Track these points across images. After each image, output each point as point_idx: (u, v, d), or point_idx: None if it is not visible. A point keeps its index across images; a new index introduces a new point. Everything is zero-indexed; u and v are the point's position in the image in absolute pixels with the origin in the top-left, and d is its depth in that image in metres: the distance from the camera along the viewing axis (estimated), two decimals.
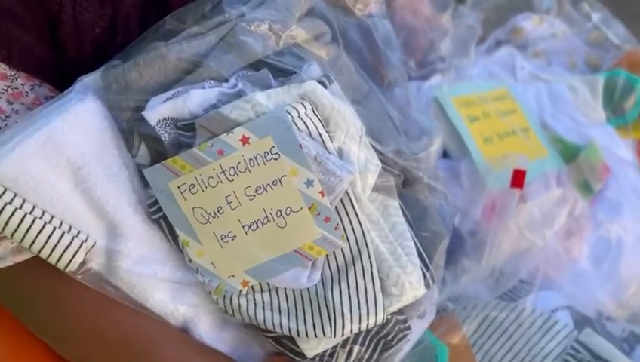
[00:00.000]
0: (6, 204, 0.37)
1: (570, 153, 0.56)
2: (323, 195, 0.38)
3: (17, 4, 0.40)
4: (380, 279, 0.40)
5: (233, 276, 0.40)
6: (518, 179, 0.48)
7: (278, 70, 0.40)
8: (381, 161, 0.41)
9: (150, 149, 0.39)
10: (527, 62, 0.61)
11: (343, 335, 0.40)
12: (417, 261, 0.41)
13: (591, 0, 0.62)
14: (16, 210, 0.37)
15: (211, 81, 0.39)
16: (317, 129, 0.39)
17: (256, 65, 0.40)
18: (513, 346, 0.46)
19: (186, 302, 0.42)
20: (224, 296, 0.41)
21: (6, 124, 0.41)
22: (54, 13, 0.40)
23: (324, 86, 0.40)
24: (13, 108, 0.41)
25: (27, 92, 0.42)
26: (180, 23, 0.40)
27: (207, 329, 0.43)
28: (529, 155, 0.54)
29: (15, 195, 0.37)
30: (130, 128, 0.39)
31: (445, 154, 0.53)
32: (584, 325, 0.47)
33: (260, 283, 0.41)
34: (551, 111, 0.58)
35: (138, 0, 0.43)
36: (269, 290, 0.41)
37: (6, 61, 0.40)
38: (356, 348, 0.41)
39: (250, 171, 0.38)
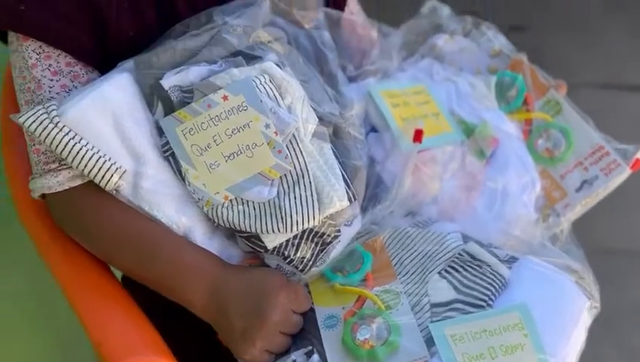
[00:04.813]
0: (70, 139, 0.57)
1: (469, 130, 0.75)
2: (277, 135, 0.58)
3: (74, 10, 0.61)
4: (317, 193, 0.59)
5: (218, 193, 0.59)
6: (417, 135, 0.67)
7: (249, 57, 0.61)
8: (318, 117, 0.61)
9: (164, 107, 0.59)
10: (442, 69, 0.82)
11: (292, 231, 0.59)
12: (342, 183, 0.60)
13: (486, 23, 0.84)
14: (75, 143, 0.57)
15: (204, 63, 0.60)
16: (273, 92, 0.59)
17: (235, 54, 0.61)
18: (417, 252, 0.64)
19: (185, 213, 0.61)
20: (212, 208, 0.60)
21: (69, 94, 0.61)
22: (104, 19, 0.61)
23: (280, 68, 0.61)
24: (74, 85, 0.62)
25: (83, 74, 0.62)
26: (184, 27, 0.61)
27: (201, 236, 0.62)
28: (438, 131, 0.74)
29: (76, 134, 0.57)
30: (151, 92, 0.59)
31: (375, 129, 0.73)
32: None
33: (236, 198, 0.60)
34: (457, 102, 0.78)
35: (154, 16, 0.64)
36: (243, 203, 0.60)
37: (70, 53, 0.61)
38: (302, 243, 0.60)
39: (228, 118, 0.58)
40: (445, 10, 0.85)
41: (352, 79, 0.76)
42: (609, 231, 1.47)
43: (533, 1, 2.18)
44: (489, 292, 0.58)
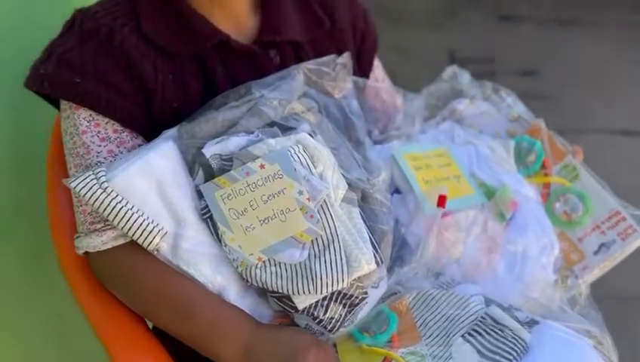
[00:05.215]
0: (117, 203, 0.61)
1: (490, 193, 0.78)
2: (309, 201, 0.62)
3: (123, 82, 0.66)
4: (346, 256, 0.62)
5: (252, 254, 0.63)
6: (441, 201, 0.71)
7: (284, 128, 0.65)
8: (347, 183, 0.65)
9: (205, 173, 0.63)
10: (462, 131, 0.85)
11: (322, 293, 0.62)
12: (370, 247, 0.63)
13: (506, 89, 0.88)
14: (122, 207, 0.61)
15: (243, 133, 0.64)
16: (306, 161, 0.63)
17: (271, 124, 0.65)
18: (441, 315, 0.66)
19: (221, 272, 0.64)
20: (246, 268, 0.63)
21: (115, 159, 0.66)
22: (150, 91, 0.66)
23: (312, 137, 0.65)
24: (120, 150, 0.67)
25: (129, 140, 0.67)
26: (224, 99, 0.66)
27: (234, 295, 0.65)
28: (459, 193, 0.78)
29: (122, 198, 0.61)
30: (193, 160, 0.64)
31: (399, 191, 0.77)
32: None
33: (269, 259, 0.63)
34: (477, 165, 0.81)
35: (196, 89, 0.70)
36: (276, 264, 0.63)
37: (119, 121, 0.66)
38: (331, 304, 0.63)
39: (265, 185, 0.62)
40: (466, 77, 0.89)
41: (377, 142, 0.80)
42: (621, 279, 1.48)
43: (544, 47, 2.24)
44: (511, 357, 0.60)
